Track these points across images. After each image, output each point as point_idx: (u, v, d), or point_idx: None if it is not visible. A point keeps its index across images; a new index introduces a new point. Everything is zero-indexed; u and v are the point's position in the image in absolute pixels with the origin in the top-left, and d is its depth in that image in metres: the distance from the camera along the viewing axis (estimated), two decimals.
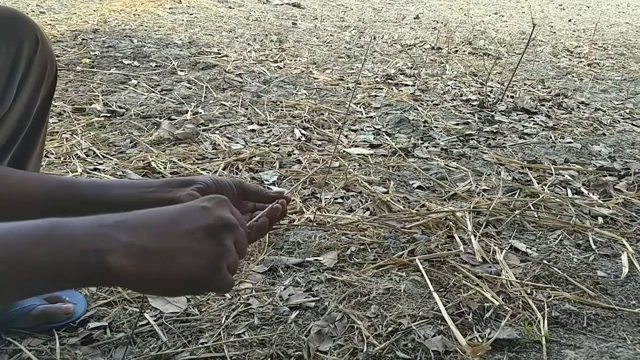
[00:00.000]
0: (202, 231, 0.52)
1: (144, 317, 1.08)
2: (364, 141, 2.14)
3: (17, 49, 0.76)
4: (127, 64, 2.95)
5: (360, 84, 2.95)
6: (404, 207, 1.59)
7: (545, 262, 1.34)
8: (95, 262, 0.45)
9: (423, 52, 3.97)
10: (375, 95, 2.78)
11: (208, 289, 0.56)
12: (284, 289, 1.19)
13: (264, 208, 0.75)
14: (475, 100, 2.79)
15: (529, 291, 1.22)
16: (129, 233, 0.48)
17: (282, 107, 2.45)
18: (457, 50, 4.08)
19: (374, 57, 3.69)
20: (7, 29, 0.76)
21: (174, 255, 0.50)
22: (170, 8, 4.87)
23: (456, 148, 2.13)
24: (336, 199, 1.63)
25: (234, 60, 3.22)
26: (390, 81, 3.08)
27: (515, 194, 1.73)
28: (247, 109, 2.41)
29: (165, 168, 1.73)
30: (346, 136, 2.18)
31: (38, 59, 0.78)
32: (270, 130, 2.18)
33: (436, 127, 2.35)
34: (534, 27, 2.78)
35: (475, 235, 1.43)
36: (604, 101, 3.01)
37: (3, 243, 0.44)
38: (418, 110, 2.55)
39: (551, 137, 2.32)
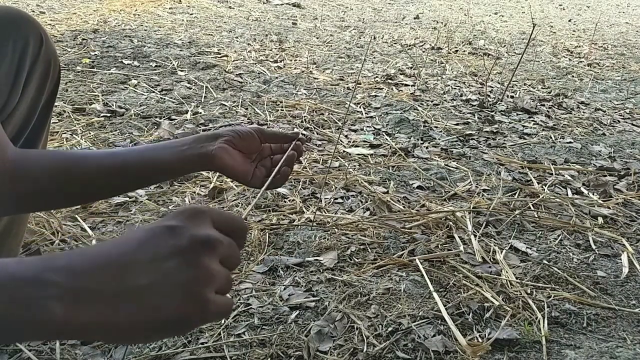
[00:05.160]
0: (171, 259, 0.42)
1: None
2: (364, 141, 2.13)
3: (23, 48, 0.76)
4: (127, 64, 2.95)
5: (360, 84, 2.95)
6: (404, 207, 1.59)
7: (545, 262, 1.34)
8: (37, 314, 0.38)
9: (423, 52, 3.97)
10: (375, 95, 2.78)
11: (197, 324, 0.44)
12: (284, 289, 1.19)
13: (280, 150, 0.85)
14: (475, 100, 2.79)
15: (529, 291, 1.22)
16: (74, 276, 0.40)
17: (282, 107, 2.45)
18: (457, 50, 4.08)
19: (374, 57, 3.69)
20: (13, 29, 0.76)
21: (138, 295, 0.40)
22: (170, 8, 4.87)
23: (456, 148, 2.13)
24: (336, 199, 1.63)
25: (234, 60, 3.22)
26: (390, 81, 3.08)
27: (515, 194, 1.73)
28: (247, 109, 2.41)
29: None
30: (346, 136, 2.18)
31: (42, 58, 0.79)
32: None
33: (436, 127, 2.35)
34: (534, 27, 2.78)
35: (475, 235, 1.43)
36: (604, 101, 3.01)
37: None
38: (418, 110, 2.55)
39: (551, 137, 2.32)
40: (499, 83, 3.21)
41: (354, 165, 1.88)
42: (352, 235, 1.41)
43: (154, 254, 0.42)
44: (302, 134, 0.89)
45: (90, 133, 1.99)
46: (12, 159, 0.67)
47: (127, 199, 1.54)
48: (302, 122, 2.27)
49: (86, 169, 0.74)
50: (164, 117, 2.22)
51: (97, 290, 0.40)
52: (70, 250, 0.43)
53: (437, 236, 1.43)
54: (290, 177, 1.72)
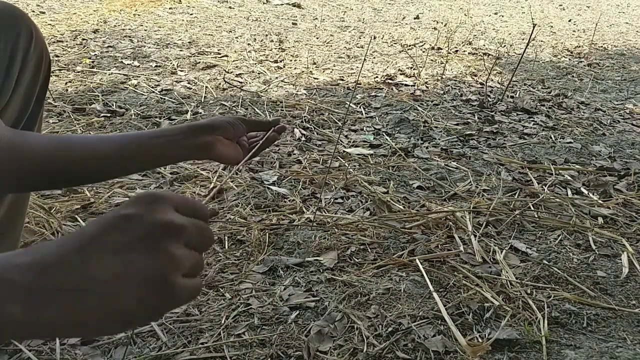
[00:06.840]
0: (130, 248, 0.40)
1: None
2: (364, 141, 2.13)
3: (14, 41, 0.77)
4: (127, 64, 2.95)
5: (360, 84, 2.95)
6: (404, 207, 1.59)
7: (545, 262, 1.34)
8: None
9: (423, 52, 3.97)
10: (375, 95, 2.78)
11: (165, 310, 0.43)
12: (284, 289, 1.19)
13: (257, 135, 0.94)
14: (475, 100, 2.79)
15: (529, 291, 1.22)
16: (34, 273, 0.38)
17: (282, 107, 2.45)
18: (457, 50, 4.08)
19: (374, 57, 3.69)
20: (3, 23, 0.77)
21: (101, 289, 0.39)
22: (170, 8, 4.87)
23: (456, 148, 2.13)
24: (336, 199, 1.63)
25: (234, 60, 3.22)
26: (390, 81, 3.08)
27: (515, 194, 1.73)
28: (247, 109, 2.41)
29: (165, 168, 1.74)
30: (346, 136, 2.18)
31: (34, 51, 0.80)
32: None
33: (436, 127, 2.35)
34: (534, 27, 2.78)
35: (475, 235, 1.43)
36: (604, 101, 3.01)
37: None
38: (418, 110, 2.55)
39: (551, 137, 2.32)
40: (499, 83, 3.21)
41: (354, 165, 1.88)
42: (352, 235, 1.41)
43: (113, 245, 0.40)
44: (282, 121, 0.97)
45: (90, 133, 1.99)
46: (8, 139, 0.68)
47: (127, 199, 1.54)
48: (302, 122, 2.27)
49: (84, 151, 0.75)
50: (164, 117, 2.22)
51: (59, 287, 0.38)
52: (28, 247, 0.42)
53: (437, 236, 1.43)
54: (292, 177, 1.73)
